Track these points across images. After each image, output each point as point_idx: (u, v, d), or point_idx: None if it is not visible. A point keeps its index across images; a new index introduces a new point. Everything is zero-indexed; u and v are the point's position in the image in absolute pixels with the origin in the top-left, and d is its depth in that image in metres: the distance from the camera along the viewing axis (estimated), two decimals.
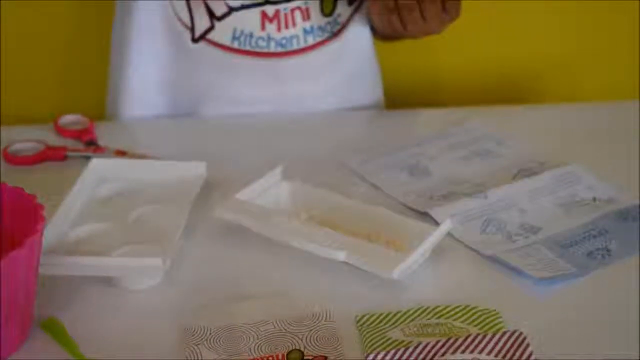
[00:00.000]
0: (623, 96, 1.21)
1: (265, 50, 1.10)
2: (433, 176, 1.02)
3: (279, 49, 1.11)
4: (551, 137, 1.10)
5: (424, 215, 0.93)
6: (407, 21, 1.03)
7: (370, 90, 1.23)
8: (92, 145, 1.07)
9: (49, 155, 1.05)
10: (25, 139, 1.07)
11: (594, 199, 0.96)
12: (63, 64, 1.44)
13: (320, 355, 0.76)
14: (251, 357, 0.76)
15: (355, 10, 1.14)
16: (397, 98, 1.29)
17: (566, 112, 1.17)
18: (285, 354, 0.76)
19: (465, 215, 0.93)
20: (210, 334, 0.78)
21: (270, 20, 1.08)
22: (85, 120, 1.12)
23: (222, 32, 1.09)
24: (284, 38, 1.10)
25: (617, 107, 1.16)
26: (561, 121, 1.15)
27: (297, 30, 1.10)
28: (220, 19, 1.08)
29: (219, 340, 0.77)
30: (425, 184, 1.00)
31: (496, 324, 0.79)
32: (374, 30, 1.17)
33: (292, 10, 1.09)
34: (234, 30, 1.08)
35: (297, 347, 0.77)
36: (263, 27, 1.09)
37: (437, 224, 0.90)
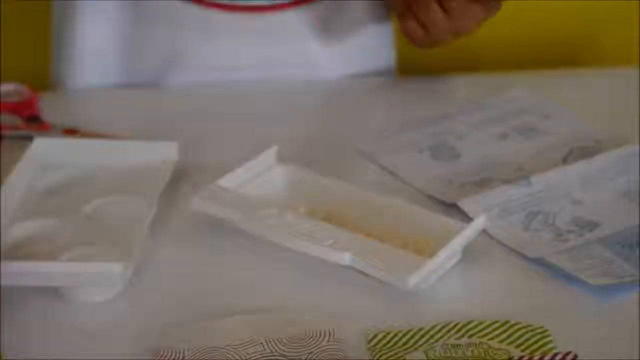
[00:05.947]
0: None
1: (251, 2, 1.10)
2: (462, 158, 1.02)
3: (267, 2, 1.11)
4: (610, 109, 1.11)
5: (452, 208, 0.94)
6: (428, 24, 1.02)
7: (378, 53, 1.23)
8: (35, 122, 1.07)
9: None
10: None
11: None
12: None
13: None
14: None
15: None
16: (414, 64, 1.28)
17: (628, 77, 1.17)
18: None
19: (503, 207, 0.93)
20: (183, 357, 0.78)
21: None
22: (26, 90, 1.11)
23: None
24: None
25: None
26: (622, 89, 1.15)
27: None
28: None
29: None
30: (452, 168, 1.01)
31: (544, 344, 0.79)
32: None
33: None
34: None
35: None
36: None
37: (468, 218, 0.90)
